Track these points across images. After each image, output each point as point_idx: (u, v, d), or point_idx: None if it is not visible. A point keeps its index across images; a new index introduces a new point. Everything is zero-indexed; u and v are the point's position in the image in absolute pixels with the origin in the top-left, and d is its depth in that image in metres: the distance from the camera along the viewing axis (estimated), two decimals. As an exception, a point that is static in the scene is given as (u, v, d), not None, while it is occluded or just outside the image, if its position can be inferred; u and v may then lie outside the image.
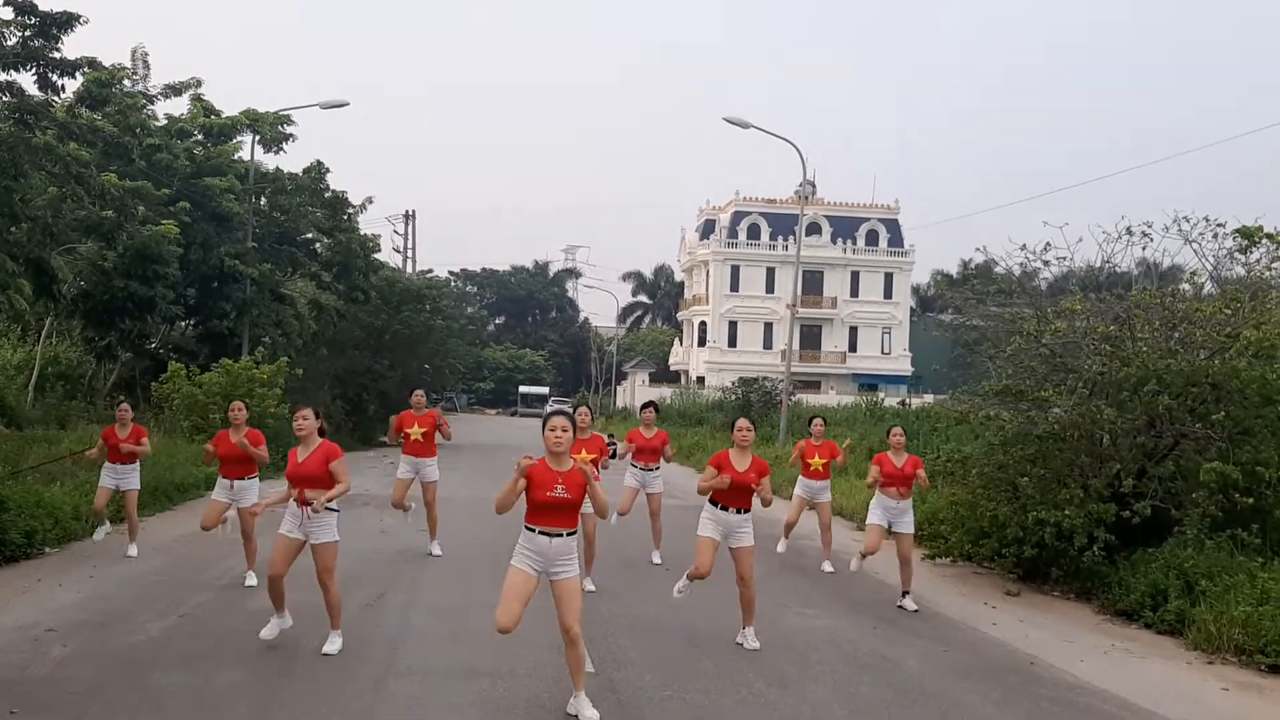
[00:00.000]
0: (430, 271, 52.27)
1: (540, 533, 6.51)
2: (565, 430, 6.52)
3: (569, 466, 6.55)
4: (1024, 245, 13.33)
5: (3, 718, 6.13)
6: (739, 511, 8.57)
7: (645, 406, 13.52)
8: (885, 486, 10.53)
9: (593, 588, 10.56)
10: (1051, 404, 11.61)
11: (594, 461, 10.94)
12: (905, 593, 10.62)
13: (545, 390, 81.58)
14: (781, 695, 7.27)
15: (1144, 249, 13.25)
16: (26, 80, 15.32)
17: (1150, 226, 12.67)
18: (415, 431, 12.61)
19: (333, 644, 7.86)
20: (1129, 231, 13.20)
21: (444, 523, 12.87)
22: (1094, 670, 8.50)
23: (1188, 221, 13.02)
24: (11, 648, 7.69)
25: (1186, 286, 13.43)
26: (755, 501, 8.66)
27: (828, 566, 12.61)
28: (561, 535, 6.52)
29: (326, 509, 7.72)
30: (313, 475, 7.75)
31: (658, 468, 12.50)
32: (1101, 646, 9.41)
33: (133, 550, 11.89)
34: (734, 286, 68.31)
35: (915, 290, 75.10)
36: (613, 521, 11.71)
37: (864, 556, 10.89)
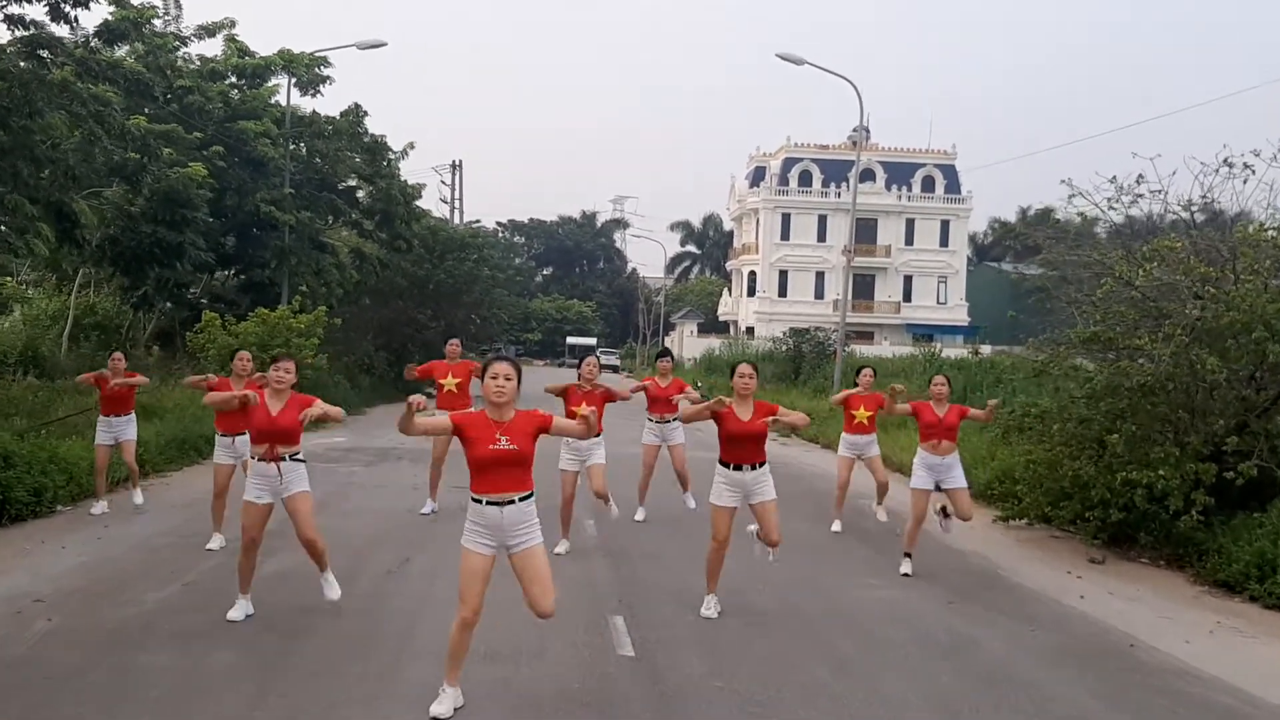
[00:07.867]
0: (478, 222, 51.65)
1: (488, 503, 5.48)
2: (509, 379, 5.58)
3: (511, 416, 5.57)
4: (1114, 177, 12.01)
5: (-43, 708, 5.37)
6: (754, 467, 7.59)
7: (660, 355, 12.66)
8: (926, 439, 9.54)
9: (613, 517, 10.55)
10: (1145, 352, 10.46)
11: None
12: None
13: (593, 341, 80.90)
14: (849, 685, 6.32)
15: (1244, 182, 11.88)
16: (38, 12, 14.48)
17: (1258, 154, 11.30)
18: (449, 382, 11.92)
19: (331, 589, 7.41)
20: (1228, 164, 11.85)
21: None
22: (1202, 653, 7.47)
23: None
24: (-9, 621, 6.97)
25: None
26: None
27: (882, 516, 12.04)
28: (513, 501, 5.49)
29: (293, 459, 7.15)
30: (288, 429, 7.11)
31: (676, 419, 11.63)
32: (1206, 624, 8.37)
33: (139, 497, 11.47)
34: (785, 235, 66.69)
35: (972, 239, 73.02)
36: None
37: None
